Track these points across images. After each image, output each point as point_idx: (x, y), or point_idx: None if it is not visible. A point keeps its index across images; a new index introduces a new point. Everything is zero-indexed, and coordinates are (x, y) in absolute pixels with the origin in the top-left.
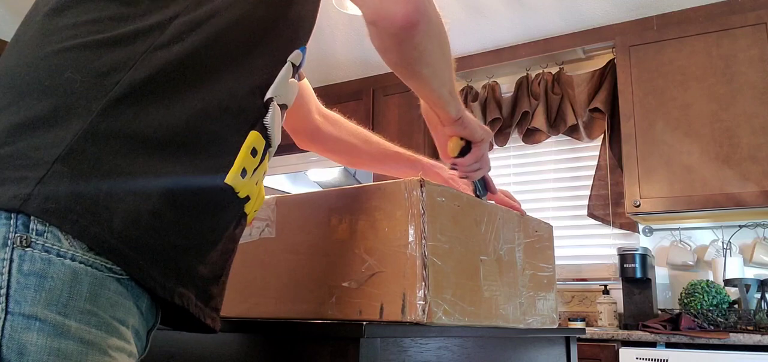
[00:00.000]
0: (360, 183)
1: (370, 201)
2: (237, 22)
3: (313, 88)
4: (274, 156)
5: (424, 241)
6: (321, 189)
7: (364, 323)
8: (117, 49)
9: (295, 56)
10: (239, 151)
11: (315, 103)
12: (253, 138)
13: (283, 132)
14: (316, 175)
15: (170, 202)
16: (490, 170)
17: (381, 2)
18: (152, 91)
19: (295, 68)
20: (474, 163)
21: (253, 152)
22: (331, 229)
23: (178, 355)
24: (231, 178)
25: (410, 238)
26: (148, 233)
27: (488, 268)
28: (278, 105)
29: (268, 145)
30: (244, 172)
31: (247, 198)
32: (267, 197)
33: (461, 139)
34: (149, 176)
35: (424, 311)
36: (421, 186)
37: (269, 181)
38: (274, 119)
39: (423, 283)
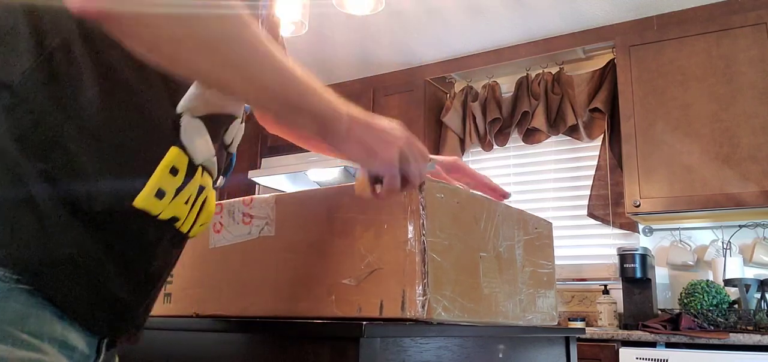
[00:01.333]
0: None
1: (369, 199)
2: None
3: None
4: (273, 156)
5: (423, 238)
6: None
7: (364, 323)
8: (3, 49)
9: None
10: (155, 169)
11: None
12: (173, 155)
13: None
14: (316, 175)
15: (73, 217)
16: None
17: None
18: (49, 98)
19: None
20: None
21: (173, 171)
22: (330, 227)
23: (176, 355)
24: (143, 200)
25: (409, 235)
26: (53, 248)
27: (488, 265)
28: (199, 118)
29: (192, 162)
30: (160, 193)
31: (174, 219)
32: (266, 195)
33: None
34: (50, 195)
35: (423, 307)
36: (420, 183)
37: (269, 181)
38: (189, 134)
39: (422, 280)
